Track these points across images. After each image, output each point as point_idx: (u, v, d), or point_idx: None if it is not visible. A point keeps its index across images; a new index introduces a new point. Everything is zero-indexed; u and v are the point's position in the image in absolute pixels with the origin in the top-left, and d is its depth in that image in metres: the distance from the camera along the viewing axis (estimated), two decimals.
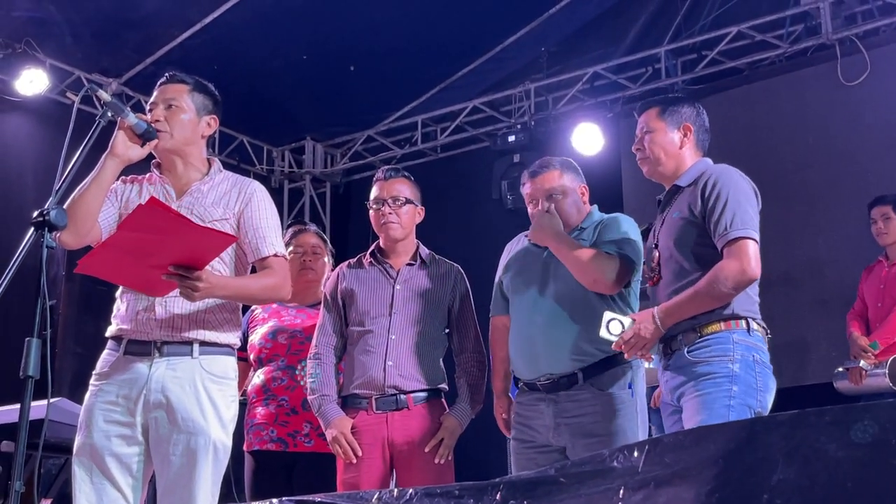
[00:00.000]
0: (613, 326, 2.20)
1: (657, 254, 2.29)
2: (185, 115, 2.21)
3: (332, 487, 2.73)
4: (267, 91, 5.76)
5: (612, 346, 2.22)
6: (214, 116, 2.29)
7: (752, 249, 2.07)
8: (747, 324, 2.13)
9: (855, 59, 4.57)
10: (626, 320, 2.22)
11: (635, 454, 1.02)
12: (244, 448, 3.00)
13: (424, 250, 2.88)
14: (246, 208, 2.24)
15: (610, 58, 5.51)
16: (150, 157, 2.24)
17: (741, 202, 2.13)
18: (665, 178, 2.32)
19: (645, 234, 2.75)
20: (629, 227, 2.55)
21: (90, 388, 2.18)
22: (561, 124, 5.46)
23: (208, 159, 2.36)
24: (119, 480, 2.09)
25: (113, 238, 2.05)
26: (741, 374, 2.05)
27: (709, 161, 2.33)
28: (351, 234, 6.27)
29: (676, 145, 2.28)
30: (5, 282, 1.64)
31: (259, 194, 2.29)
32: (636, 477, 0.99)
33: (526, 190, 2.60)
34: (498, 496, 1.09)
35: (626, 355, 2.28)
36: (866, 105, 4.56)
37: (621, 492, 0.97)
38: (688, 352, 2.11)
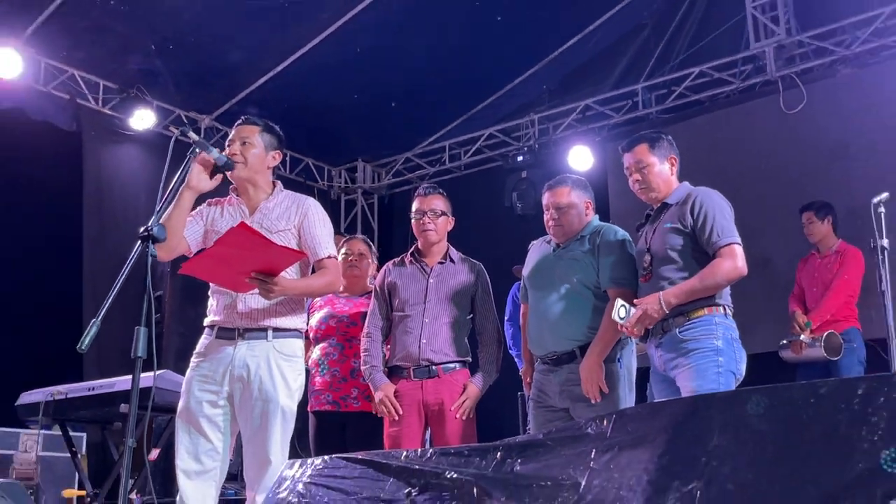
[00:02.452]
0: (622, 311, 2.23)
1: (649, 257, 2.31)
2: (256, 150, 2.25)
3: (377, 440, 2.78)
4: (327, 122, 5.73)
5: (619, 327, 2.25)
6: (279, 151, 2.31)
7: (740, 251, 2.14)
8: (724, 309, 2.20)
9: (794, 92, 4.51)
10: (631, 308, 2.27)
11: (605, 423, 1.06)
12: (308, 409, 3.04)
13: (454, 252, 2.89)
14: (304, 220, 2.28)
15: (598, 93, 5.45)
16: (228, 182, 2.30)
17: (724, 216, 2.21)
18: (657, 200, 2.35)
19: None
20: (625, 245, 2.49)
21: (191, 363, 2.27)
22: (560, 147, 5.39)
23: (273, 182, 2.39)
24: (210, 436, 2.19)
25: (210, 250, 2.12)
26: (724, 349, 2.12)
27: (688, 184, 2.39)
28: (395, 237, 6.24)
29: (668, 174, 2.32)
30: (120, 280, 1.74)
31: (313, 208, 2.32)
32: (604, 442, 1.03)
33: (543, 199, 2.57)
34: (498, 455, 1.14)
35: (628, 332, 2.29)
36: (803, 129, 4.49)
37: (593, 453, 1.02)
38: (679, 332, 2.16)
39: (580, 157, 5.04)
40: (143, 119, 4.71)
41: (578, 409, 2.36)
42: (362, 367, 2.82)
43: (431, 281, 2.77)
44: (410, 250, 2.87)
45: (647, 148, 2.32)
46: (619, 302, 2.22)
